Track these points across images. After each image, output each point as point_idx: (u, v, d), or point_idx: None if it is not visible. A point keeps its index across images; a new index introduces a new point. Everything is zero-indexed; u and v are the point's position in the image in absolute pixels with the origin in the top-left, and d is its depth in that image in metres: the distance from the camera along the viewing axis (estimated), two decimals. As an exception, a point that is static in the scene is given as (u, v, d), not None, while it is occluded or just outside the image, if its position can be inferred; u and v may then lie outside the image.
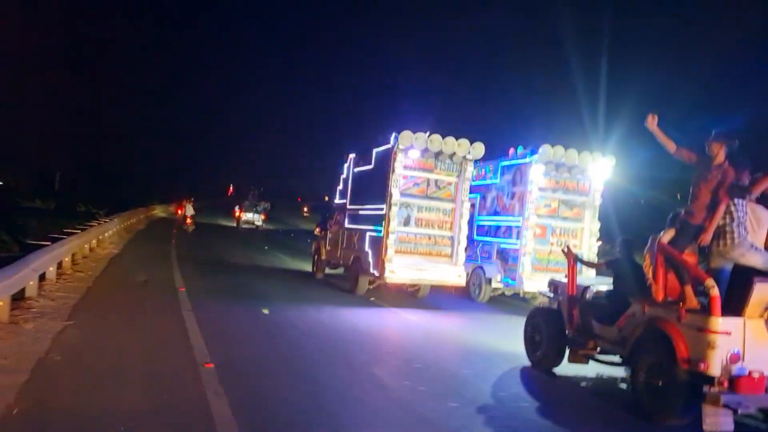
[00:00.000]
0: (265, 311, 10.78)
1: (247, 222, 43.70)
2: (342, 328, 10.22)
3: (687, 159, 6.63)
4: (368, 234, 13.83)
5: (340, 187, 16.14)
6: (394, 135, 12.98)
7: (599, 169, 13.95)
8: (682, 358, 5.82)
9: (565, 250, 8.22)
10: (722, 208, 6.16)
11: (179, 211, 42.80)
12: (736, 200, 6.20)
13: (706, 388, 5.62)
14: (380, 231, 13.25)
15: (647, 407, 6.24)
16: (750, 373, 5.58)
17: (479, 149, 13.24)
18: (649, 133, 6.71)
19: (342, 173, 16.06)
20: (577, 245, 13.36)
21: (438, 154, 13.27)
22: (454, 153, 13.19)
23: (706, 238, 6.23)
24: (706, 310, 5.84)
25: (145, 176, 67.60)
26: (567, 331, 7.87)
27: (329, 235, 16.55)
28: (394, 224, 13.07)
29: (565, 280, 8.17)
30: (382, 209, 13.28)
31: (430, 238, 13.54)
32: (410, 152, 13.10)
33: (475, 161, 13.62)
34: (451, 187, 13.73)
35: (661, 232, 6.61)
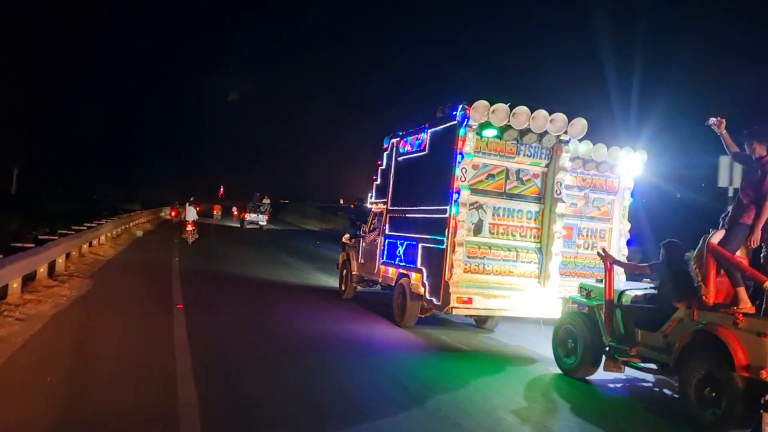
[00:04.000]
0: None
1: (251, 222, 43.88)
2: (395, 389, 6.49)
3: (743, 161, 6.52)
4: (422, 245, 10.07)
5: (378, 181, 12.34)
6: (462, 106, 9.20)
7: (630, 166, 10.55)
8: (740, 366, 5.55)
9: (602, 252, 7.76)
10: None
11: (173, 214, 40.03)
12: None
13: (766, 397, 5.40)
14: (440, 242, 9.48)
15: (701, 418, 5.95)
16: None
17: (580, 126, 9.48)
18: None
19: (381, 163, 12.28)
20: (606, 247, 9.91)
21: (522, 134, 9.50)
22: (546, 132, 9.42)
23: (755, 238, 6.06)
24: (763, 314, 5.66)
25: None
26: (604, 338, 7.44)
27: (363, 244, 12.76)
28: (462, 233, 9.29)
29: (599, 285, 7.79)
30: (443, 211, 9.51)
31: (509, 251, 9.76)
32: (485, 131, 9.33)
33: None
34: (539, 180, 9.96)
35: (711, 233, 6.32)
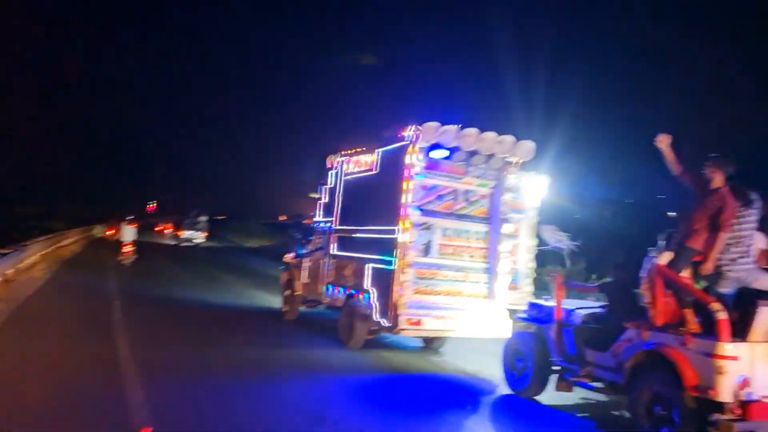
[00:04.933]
0: None
1: (186, 240, 43.11)
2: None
3: (689, 182, 6.53)
4: (370, 266, 9.96)
5: (324, 199, 12.17)
6: (413, 128, 9.20)
7: (534, 187, 10.75)
8: (689, 385, 5.67)
9: (553, 273, 7.91)
10: (723, 237, 6.09)
11: (107, 233, 38.07)
12: (744, 224, 6.18)
13: (716, 416, 5.50)
14: (389, 263, 9.41)
15: None
16: (760, 398, 5.49)
17: (527, 148, 9.62)
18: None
19: (325, 182, 12.13)
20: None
21: (471, 156, 9.56)
22: (493, 154, 9.51)
23: (708, 267, 6.16)
24: (709, 335, 5.74)
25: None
26: (554, 358, 7.52)
27: (307, 264, 12.55)
28: (412, 254, 9.25)
29: (548, 304, 7.84)
30: (391, 232, 9.45)
31: (458, 272, 9.78)
32: (434, 152, 9.35)
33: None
34: (486, 201, 10.04)
35: (657, 254, 6.46)
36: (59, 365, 7.61)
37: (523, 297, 10.01)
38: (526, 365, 7.83)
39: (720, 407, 5.52)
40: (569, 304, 8.00)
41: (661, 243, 6.66)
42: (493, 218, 9.98)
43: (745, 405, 5.46)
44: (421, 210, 9.41)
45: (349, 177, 11.24)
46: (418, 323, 9.13)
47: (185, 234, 43.68)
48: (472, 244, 9.92)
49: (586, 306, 7.91)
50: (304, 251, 12.78)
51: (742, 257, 6.15)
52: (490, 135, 9.31)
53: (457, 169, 9.72)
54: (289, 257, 13.58)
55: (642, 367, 6.30)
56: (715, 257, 6.15)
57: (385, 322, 9.39)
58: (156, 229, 56.27)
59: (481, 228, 9.97)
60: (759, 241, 6.40)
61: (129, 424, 5.57)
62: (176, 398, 6.75)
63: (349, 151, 11.31)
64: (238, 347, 9.96)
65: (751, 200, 6.28)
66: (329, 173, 11.95)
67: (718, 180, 6.29)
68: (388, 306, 9.30)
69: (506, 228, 9.84)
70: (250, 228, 62.67)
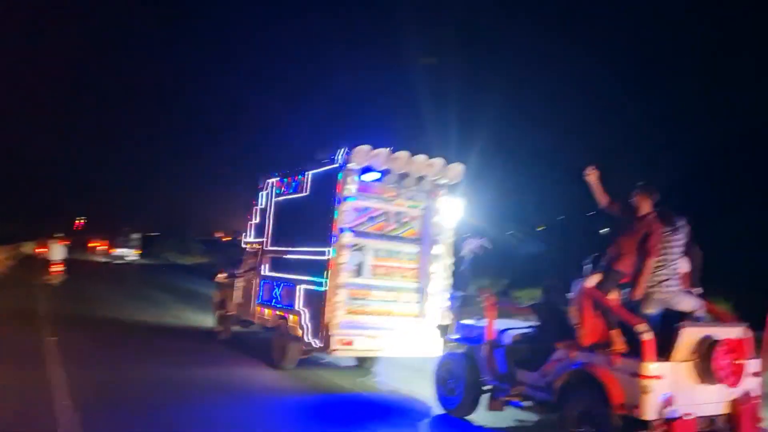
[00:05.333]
0: None
1: (119, 257, 43.10)
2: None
3: (616, 211, 6.72)
4: (301, 287, 9.98)
5: (255, 220, 12.13)
6: (344, 151, 9.31)
7: (449, 209, 10.68)
8: (616, 404, 5.80)
9: (484, 294, 7.89)
10: (651, 262, 6.29)
11: (37, 250, 36.28)
12: (671, 248, 6.39)
13: None
14: (320, 284, 9.46)
15: None
16: (683, 415, 5.63)
17: (455, 171, 9.86)
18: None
19: (256, 203, 12.10)
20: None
21: (402, 178, 9.74)
22: (423, 176, 9.72)
23: (638, 292, 6.33)
24: (635, 355, 5.85)
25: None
26: (485, 378, 7.59)
27: (240, 284, 12.46)
28: (344, 275, 9.33)
29: (478, 324, 7.92)
30: (322, 253, 9.52)
31: (390, 292, 9.91)
32: (366, 174, 9.49)
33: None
34: (416, 222, 10.22)
35: (586, 277, 6.59)
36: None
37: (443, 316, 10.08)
38: (457, 385, 7.88)
39: (645, 425, 5.65)
40: (499, 324, 8.06)
41: (587, 267, 6.82)
42: (423, 239, 10.17)
43: (669, 422, 5.62)
44: (353, 231, 9.51)
45: (280, 198, 11.26)
46: (350, 343, 9.19)
47: (118, 251, 43.69)
48: (404, 264, 10.07)
49: (516, 326, 8.02)
50: (237, 271, 12.69)
51: (668, 280, 6.33)
52: (420, 158, 9.51)
53: (389, 191, 9.88)
54: (221, 277, 13.46)
55: (571, 386, 6.40)
56: (644, 282, 6.32)
57: (317, 343, 9.42)
58: (89, 246, 54.89)
59: (413, 249, 10.14)
60: (683, 265, 6.62)
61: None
62: (110, 421, 6.67)
63: (279, 173, 11.34)
64: (171, 368, 9.78)
65: (678, 226, 6.48)
66: (260, 194, 11.93)
67: (645, 207, 6.48)
68: (319, 327, 9.34)
69: (436, 249, 10.03)
70: (185, 245, 61.38)
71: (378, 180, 9.64)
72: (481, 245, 9.71)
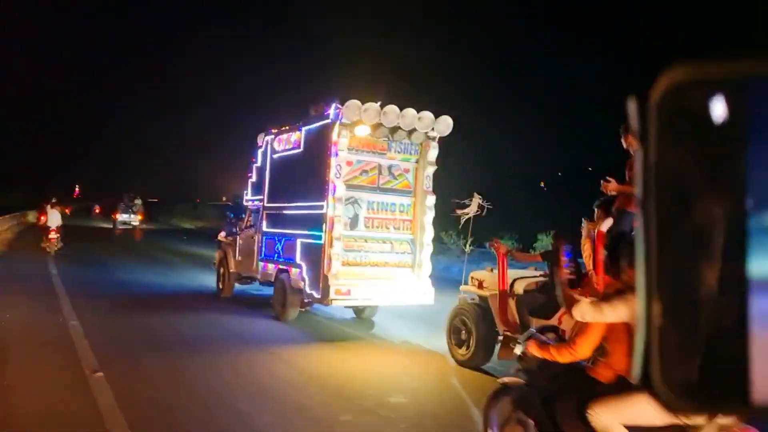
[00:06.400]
0: None
1: (123, 223, 43.49)
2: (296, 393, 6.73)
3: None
4: (300, 241, 10.32)
5: (253, 178, 12.43)
6: (334, 106, 9.53)
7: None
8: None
9: (494, 242, 7.74)
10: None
11: (42, 219, 36.44)
12: None
13: None
14: (318, 237, 9.77)
15: None
16: None
17: (445, 124, 10.06)
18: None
19: (255, 161, 12.37)
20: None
21: (393, 132, 9.96)
22: (414, 129, 9.93)
23: None
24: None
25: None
26: (497, 328, 7.51)
27: (240, 242, 12.81)
28: (339, 227, 9.63)
29: (490, 274, 7.90)
30: (319, 207, 9.81)
31: (384, 243, 10.22)
32: (358, 129, 9.70)
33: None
34: (409, 175, 10.47)
35: (587, 223, 6.41)
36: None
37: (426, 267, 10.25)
38: (469, 336, 7.82)
39: None
40: (511, 274, 7.91)
41: (597, 211, 6.58)
42: (417, 191, 10.42)
43: None
44: (347, 185, 9.77)
45: (276, 155, 11.51)
46: (347, 293, 9.52)
47: (121, 217, 43.82)
48: (397, 216, 10.34)
49: (528, 275, 7.91)
50: (237, 229, 13.02)
51: None
52: (410, 111, 9.69)
53: (381, 145, 10.10)
54: (222, 236, 13.79)
55: None
56: None
57: (315, 294, 9.77)
58: (94, 212, 55.92)
59: (406, 200, 10.41)
60: None
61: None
62: (134, 374, 7.03)
63: (276, 130, 11.56)
64: (181, 325, 10.19)
65: None
66: (258, 152, 12.19)
67: (634, 142, 6.52)
68: (318, 278, 9.69)
69: (430, 200, 10.29)
70: (188, 210, 62.06)
71: (369, 134, 9.84)
72: (480, 204, 9.51)
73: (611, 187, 6.27)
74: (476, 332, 7.73)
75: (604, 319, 3.67)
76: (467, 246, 10.58)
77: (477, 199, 9.08)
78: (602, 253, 6.11)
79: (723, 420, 3.27)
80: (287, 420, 5.76)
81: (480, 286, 8.08)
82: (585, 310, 3.74)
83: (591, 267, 6.31)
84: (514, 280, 7.58)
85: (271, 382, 7.03)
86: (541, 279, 7.60)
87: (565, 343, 3.97)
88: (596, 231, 6.26)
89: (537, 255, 7.82)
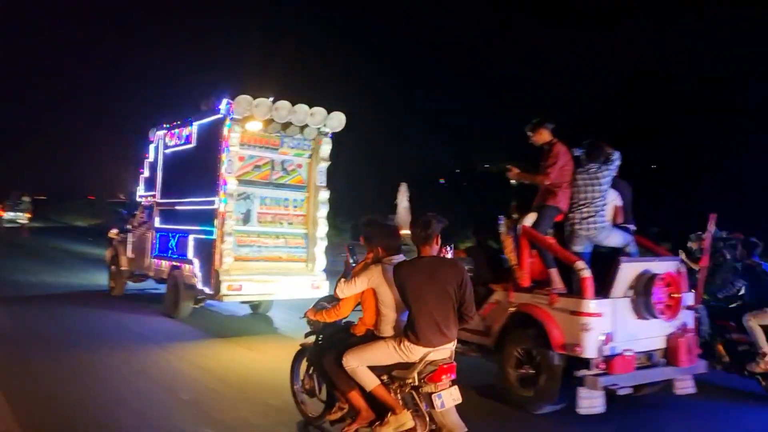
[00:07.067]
0: None
1: (10, 221, 41.09)
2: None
3: (556, 166, 6.27)
4: (192, 237, 10.22)
5: (146, 174, 12.18)
6: (225, 101, 9.49)
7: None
8: (556, 344, 5.71)
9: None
10: (543, 181, 6.25)
11: None
12: (601, 181, 6.18)
13: (582, 372, 5.58)
14: (210, 233, 9.72)
15: (520, 397, 6.06)
16: (622, 352, 5.61)
17: (338, 119, 10.23)
18: None
19: (147, 156, 12.11)
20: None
21: (285, 127, 10.02)
22: (306, 125, 10.04)
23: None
24: (573, 293, 5.82)
25: None
26: None
27: (132, 239, 12.51)
28: (231, 223, 9.61)
29: None
30: (211, 203, 9.75)
31: (277, 238, 10.29)
32: (249, 124, 9.71)
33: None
34: (302, 170, 10.57)
35: (502, 220, 6.49)
36: None
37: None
38: None
39: (586, 363, 5.58)
40: None
41: (512, 206, 6.73)
42: (310, 186, 10.54)
43: (609, 360, 5.55)
44: (239, 180, 9.76)
45: (168, 150, 11.34)
46: (239, 288, 9.51)
47: (8, 215, 41.61)
48: (291, 211, 10.42)
49: None
50: (129, 226, 12.71)
51: (593, 216, 6.15)
52: (303, 107, 9.79)
53: (273, 140, 10.14)
54: (113, 233, 13.41)
55: (509, 329, 6.27)
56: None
57: (208, 290, 9.72)
58: None
59: (299, 195, 10.50)
60: (614, 199, 6.47)
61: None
62: (25, 373, 6.87)
63: (167, 125, 11.38)
64: (73, 324, 9.96)
65: (611, 158, 6.27)
66: (150, 147, 11.95)
67: (545, 135, 6.41)
68: (210, 274, 9.65)
69: (323, 195, 10.44)
70: (77, 207, 59.52)
71: (261, 129, 9.87)
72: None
73: (513, 174, 6.50)
74: None
75: (357, 290, 4.62)
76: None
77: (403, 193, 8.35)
78: (527, 248, 6.26)
79: (434, 356, 4.26)
80: (178, 413, 5.76)
81: None
82: (342, 288, 4.68)
83: (515, 261, 6.36)
84: None
85: (163, 377, 7.01)
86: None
87: (333, 307, 4.86)
88: (521, 226, 6.30)
89: (460, 250, 7.52)
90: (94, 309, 11.35)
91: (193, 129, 10.46)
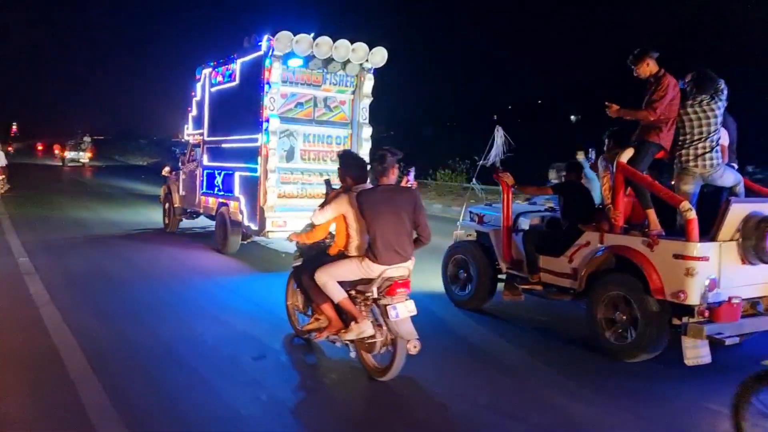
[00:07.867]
0: None
1: (72, 160, 43.46)
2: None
3: (665, 100, 5.75)
4: (238, 174, 10.39)
5: (194, 112, 12.33)
6: (266, 38, 9.44)
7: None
8: (655, 289, 5.36)
9: (500, 175, 7.06)
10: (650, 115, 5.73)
11: None
12: (712, 115, 5.71)
13: (685, 320, 5.27)
14: (255, 170, 9.85)
15: (611, 344, 5.74)
16: (729, 299, 5.22)
17: (380, 54, 10.07)
18: None
19: (195, 94, 12.25)
20: None
21: (327, 63, 9.94)
22: (348, 61, 9.93)
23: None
24: (674, 235, 5.49)
25: None
26: (500, 266, 7.14)
27: (183, 176, 12.81)
28: (275, 160, 9.70)
29: (490, 210, 7.67)
30: (255, 140, 9.84)
31: (321, 175, 10.34)
32: (291, 60, 9.66)
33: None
34: (345, 107, 10.51)
35: (613, 152, 6.06)
36: None
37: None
38: (469, 275, 7.40)
39: (688, 310, 5.26)
40: (519, 208, 7.59)
41: (608, 141, 6.37)
42: (353, 123, 10.50)
43: (713, 307, 5.18)
44: (281, 118, 9.79)
45: (214, 89, 11.41)
46: (283, 225, 9.66)
47: (70, 155, 43.61)
48: (334, 148, 10.43)
49: (532, 209, 7.57)
50: (180, 164, 13.00)
51: (709, 152, 5.71)
52: (344, 42, 9.67)
53: (315, 77, 10.09)
54: (166, 171, 13.74)
55: (600, 273, 5.98)
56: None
57: (253, 226, 9.93)
58: (39, 150, 55.15)
59: (342, 133, 10.48)
60: (723, 136, 5.97)
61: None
62: (87, 306, 7.21)
63: (213, 63, 11.43)
64: (132, 259, 10.33)
65: (720, 89, 5.83)
66: (197, 85, 12.06)
67: (652, 66, 5.91)
68: (255, 211, 9.83)
69: (366, 132, 10.40)
70: (140, 147, 61.20)
71: (303, 66, 9.81)
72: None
73: (613, 110, 5.99)
74: (477, 270, 7.29)
75: (329, 216, 5.23)
76: (474, 180, 9.18)
77: (499, 134, 7.93)
78: (622, 186, 5.87)
79: (391, 273, 4.90)
80: (232, 344, 5.98)
81: (480, 221, 7.68)
82: (317, 215, 5.27)
83: (609, 201, 6.00)
84: (518, 215, 7.23)
85: (216, 310, 7.25)
86: (548, 214, 7.31)
87: (309, 230, 5.53)
88: (616, 162, 5.88)
89: (547, 188, 7.20)
90: (151, 245, 11.73)
91: (237, 66, 10.47)
